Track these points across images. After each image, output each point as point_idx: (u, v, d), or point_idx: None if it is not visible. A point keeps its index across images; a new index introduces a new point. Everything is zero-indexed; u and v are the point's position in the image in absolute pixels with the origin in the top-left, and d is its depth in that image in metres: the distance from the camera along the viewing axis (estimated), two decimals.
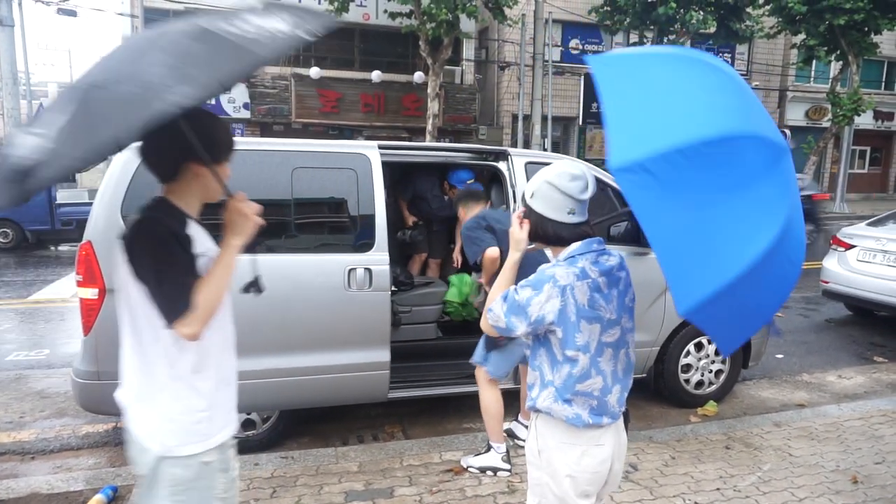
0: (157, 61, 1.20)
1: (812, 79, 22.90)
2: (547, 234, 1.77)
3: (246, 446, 3.50)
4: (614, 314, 1.73)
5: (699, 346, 4.26)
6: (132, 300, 1.51)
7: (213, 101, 16.40)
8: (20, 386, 4.69)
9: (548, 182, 1.75)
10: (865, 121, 22.13)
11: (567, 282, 1.66)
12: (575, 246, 1.74)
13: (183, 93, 1.13)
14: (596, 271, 1.71)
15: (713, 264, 1.31)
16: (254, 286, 1.71)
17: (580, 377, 1.70)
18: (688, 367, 4.28)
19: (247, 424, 3.54)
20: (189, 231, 1.55)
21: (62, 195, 12.30)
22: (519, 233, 1.80)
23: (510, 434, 3.61)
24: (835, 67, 19.51)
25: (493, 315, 1.74)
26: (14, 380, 4.81)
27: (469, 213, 3.59)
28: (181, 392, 1.56)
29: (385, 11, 15.80)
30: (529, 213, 1.79)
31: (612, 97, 1.38)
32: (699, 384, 4.35)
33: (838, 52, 17.52)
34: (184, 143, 1.47)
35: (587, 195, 1.75)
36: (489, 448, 3.27)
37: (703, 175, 1.31)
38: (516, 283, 1.76)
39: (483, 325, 1.83)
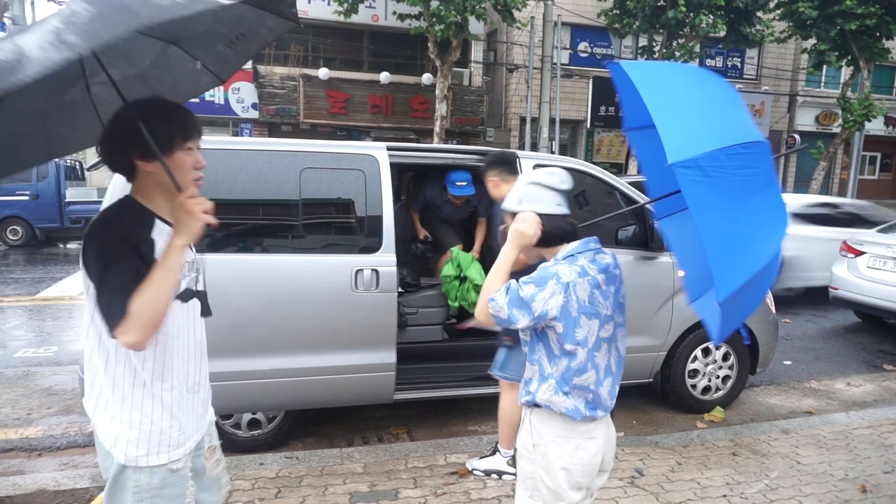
0: (44, 28, 1.13)
1: (822, 84, 22.74)
2: (545, 231, 1.81)
3: (251, 446, 3.52)
4: (610, 310, 1.81)
5: (706, 352, 4.23)
6: (94, 303, 1.44)
7: (222, 101, 16.48)
8: (28, 383, 4.72)
9: (531, 183, 1.84)
10: (876, 126, 21.95)
11: (570, 279, 1.73)
12: (574, 245, 1.82)
13: (49, 59, 1.06)
14: (595, 269, 1.79)
15: (746, 257, 1.46)
16: (194, 296, 1.53)
17: (578, 371, 1.77)
18: (695, 373, 4.26)
19: (252, 424, 3.55)
20: (154, 234, 1.47)
21: (71, 193, 12.40)
22: (530, 231, 1.78)
23: None
24: (846, 72, 19.37)
25: (496, 305, 1.74)
26: (22, 376, 4.84)
27: (504, 184, 3.15)
28: (145, 401, 1.50)
29: (394, 13, 15.81)
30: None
31: (653, 98, 1.51)
32: (706, 390, 4.32)
33: (849, 58, 17.38)
34: (126, 136, 1.41)
35: (567, 185, 1.86)
36: (495, 451, 3.25)
37: (740, 174, 1.47)
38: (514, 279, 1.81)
39: (479, 313, 1.82)
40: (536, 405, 1.83)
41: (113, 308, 1.34)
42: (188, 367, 1.59)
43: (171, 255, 1.38)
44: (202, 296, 1.56)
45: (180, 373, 1.57)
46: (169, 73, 1.77)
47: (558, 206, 1.82)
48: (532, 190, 1.83)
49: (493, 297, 1.76)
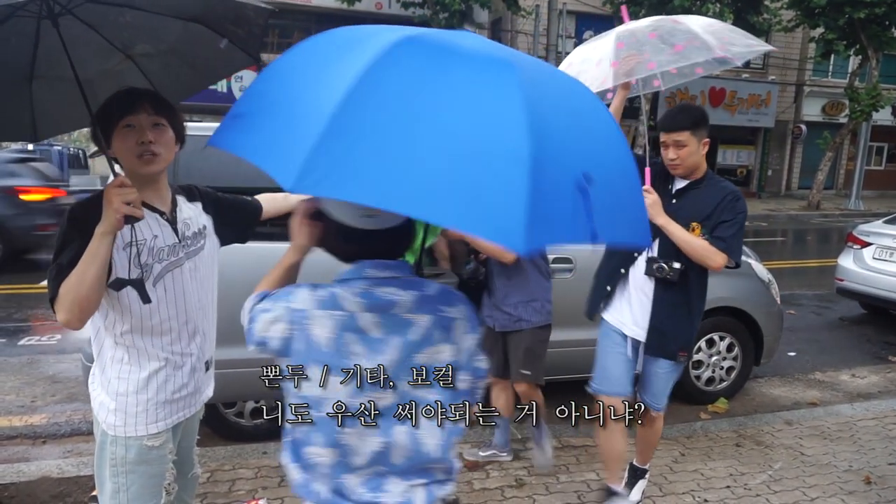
0: None
1: (830, 73, 22.57)
2: (333, 243, 1.27)
3: (254, 434, 3.52)
4: (388, 372, 1.17)
5: (711, 343, 4.22)
6: None
7: (224, 90, 16.43)
8: (32, 370, 4.73)
9: None
10: (883, 117, 21.79)
11: (302, 307, 1.18)
12: (348, 267, 1.24)
13: None
14: (359, 304, 1.17)
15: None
16: (128, 284, 1.50)
17: (305, 439, 1.20)
18: (699, 364, 4.24)
19: (255, 413, 3.55)
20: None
21: (75, 181, 12.40)
22: (298, 235, 1.33)
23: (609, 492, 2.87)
24: (853, 62, 19.21)
25: (245, 309, 1.29)
26: (26, 364, 4.85)
27: (703, 147, 2.65)
28: (122, 373, 1.58)
29: (398, 1, 15.73)
30: (318, 214, 1.26)
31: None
32: (710, 381, 4.31)
33: (858, 47, 17.24)
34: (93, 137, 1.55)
35: None
36: (643, 474, 2.97)
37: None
38: None
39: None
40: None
41: (49, 288, 1.42)
42: (172, 343, 1.60)
43: (93, 242, 1.38)
44: (137, 284, 1.50)
45: (159, 350, 1.59)
46: (200, 48, 1.82)
47: (363, 218, 1.18)
48: None
49: (249, 300, 1.30)
